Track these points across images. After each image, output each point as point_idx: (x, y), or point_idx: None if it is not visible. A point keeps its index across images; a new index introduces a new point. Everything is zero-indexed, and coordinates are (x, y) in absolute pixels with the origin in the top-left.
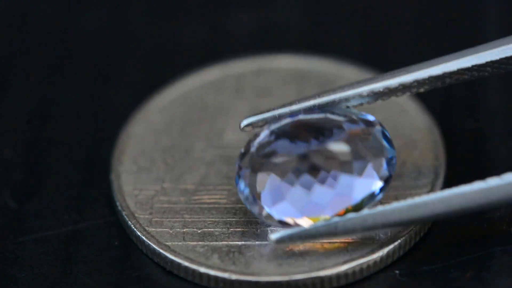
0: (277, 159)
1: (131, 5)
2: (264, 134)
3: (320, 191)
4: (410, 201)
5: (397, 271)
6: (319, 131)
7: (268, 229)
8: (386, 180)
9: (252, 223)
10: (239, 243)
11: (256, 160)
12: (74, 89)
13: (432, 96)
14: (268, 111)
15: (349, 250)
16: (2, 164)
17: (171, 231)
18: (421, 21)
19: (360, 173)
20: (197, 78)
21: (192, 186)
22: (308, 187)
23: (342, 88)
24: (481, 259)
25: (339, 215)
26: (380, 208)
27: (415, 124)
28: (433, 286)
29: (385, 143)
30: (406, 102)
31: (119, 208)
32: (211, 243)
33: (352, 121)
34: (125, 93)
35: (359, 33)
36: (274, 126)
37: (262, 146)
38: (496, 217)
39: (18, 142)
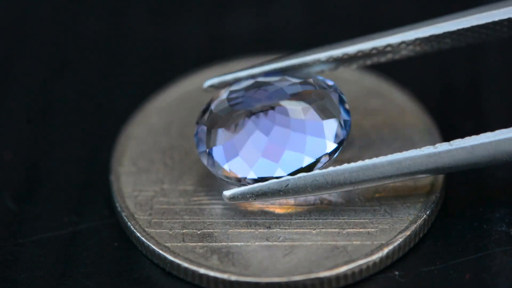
0: (232, 116)
1: (130, 6)
2: (224, 94)
3: (272, 148)
4: (360, 163)
5: (396, 272)
6: (274, 90)
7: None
8: (340, 143)
9: (252, 224)
10: (239, 244)
11: (213, 117)
12: (73, 90)
13: (432, 96)
14: (229, 73)
15: (349, 251)
16: (2, 165)
17: (170, 232)
18: (421, 21)
19: (312, 132)
20: (197, 79)
21: (191, 187)
22: (259, 144)
23: (303, 53)
24: (480, 260)
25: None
26: (331, 168)
27: (415, 125)
28: (432, 287)
29: (340, 106)
30: (406, 103)
31: (119, 209)
32: (211, 244)
33: (308, 83)
34: (124, 95)
35: (359, 33)
36: (234, 87)
37: (220, 103)
38: (495, 218)
39: (18, 144)
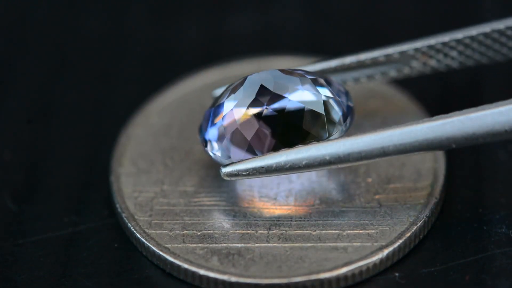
0: (236, 96)
1: (130, 6)
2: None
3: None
4: (358, 135)
5: (396, 274)
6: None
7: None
8: (343, 119)
9: (252, 225)
10: (239, 245)
11: (217, 101)
12: (74, 91)
13: (432, 96)
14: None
15: (349, 252)
16: (2, 165)
17: (170, 233)
18: (421, 21)
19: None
20: (197, 80)
21: (191, 188)
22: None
23: (313, 63)
24: (480, 261)
25: None
26: (327, 142)
27: None
28: None
29: (344, 94)
30: (406, 104)
31: (119, 210)
32: (211, 245)
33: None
34: (124, 95)
35: (359, 33)
36: None
37: (226, 90)
38: (495, 219)
39: (18, 144)
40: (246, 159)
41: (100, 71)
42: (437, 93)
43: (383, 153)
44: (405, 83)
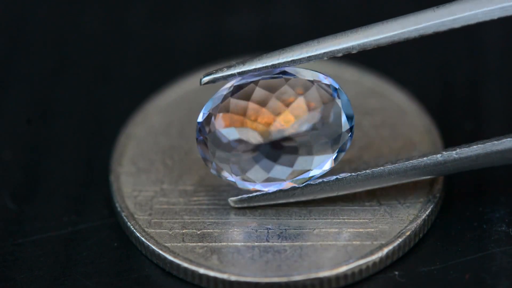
0: (238, 147)
1: (130, 5)
2: (225, 96)
3: (279, 169)
4: (365, 173)
5: (396, 272)
6: (278, 111)
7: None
8: (343, 145)
9: (251, 224)
10: (239, 244)
11: (218, 140)
12: (73, 90)
13: (431, 96)
14: (228, 68)
15: (349, 251)
16: (2, 165)
17: (170, 232)
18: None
19: (318, 152)
20: (197, 79)
21: (191, 187)
22: (267, 168)
23: (301, 48)
24: (480, 260)
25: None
26: (336, 177)
27: (414, 125)
28: (432, 287)
29: (344, 117)
30: (406, 103)
31: (118, 209)
32: (211, 244)
33: (311, 94)
34: (124, 94)
35: None
36: (237, 83)
37: (226, 131)
38: (495, 218)
39: (18, 144)
40: (255, 194)
41: (100, 71)
42: (437, 91)
43: (387, 183)
44: (405, 83)
